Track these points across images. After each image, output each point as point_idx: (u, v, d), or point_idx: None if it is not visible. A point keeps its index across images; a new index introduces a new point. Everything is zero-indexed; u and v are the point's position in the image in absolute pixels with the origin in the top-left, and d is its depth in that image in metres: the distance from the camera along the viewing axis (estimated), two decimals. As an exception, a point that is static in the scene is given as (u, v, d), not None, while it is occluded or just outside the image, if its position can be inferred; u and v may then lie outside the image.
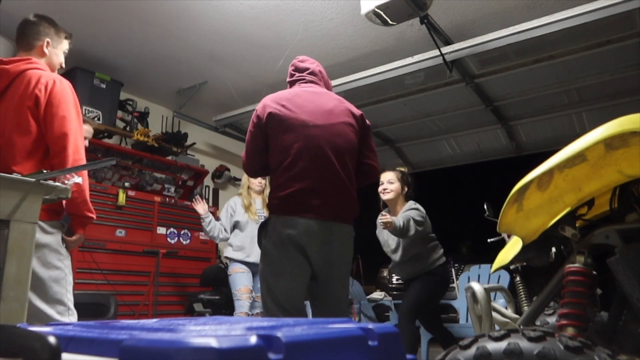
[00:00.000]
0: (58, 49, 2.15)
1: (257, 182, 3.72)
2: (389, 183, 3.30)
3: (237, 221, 3.68)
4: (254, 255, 3.56)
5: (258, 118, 2.07)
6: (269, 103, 2.06)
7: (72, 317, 1.90)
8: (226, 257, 3.80)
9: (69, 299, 1.89)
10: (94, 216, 1.99)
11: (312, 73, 2.25)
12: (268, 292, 1.97)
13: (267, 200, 3.59)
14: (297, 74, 2.26)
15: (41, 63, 2.02)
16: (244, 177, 3.87)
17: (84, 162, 1.91)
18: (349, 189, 2.03)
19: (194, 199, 3.69)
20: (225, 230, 3.68)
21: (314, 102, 2.08)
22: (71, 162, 1.85)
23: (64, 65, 2.20)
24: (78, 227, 1.96)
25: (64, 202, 1.89)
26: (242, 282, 3.56)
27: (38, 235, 1.64)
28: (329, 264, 1.97)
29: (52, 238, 1.85)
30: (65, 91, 1.92)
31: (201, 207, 3.59)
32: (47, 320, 1.75)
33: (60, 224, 1.91)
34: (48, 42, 2.09)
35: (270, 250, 1.97)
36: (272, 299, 1.95)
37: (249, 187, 3.77)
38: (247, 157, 2.15)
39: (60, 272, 1.87)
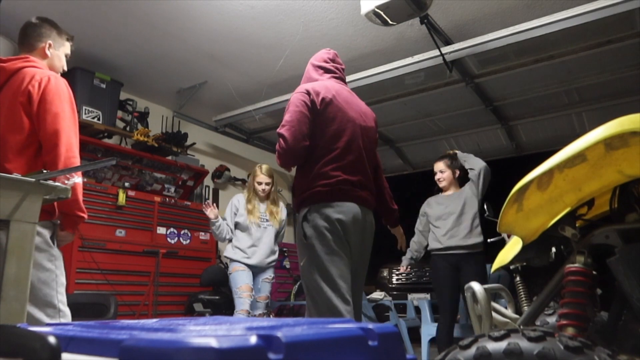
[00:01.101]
0: (60, 51, 2.16)
1: (261, 189, 3.72)
2: (441, 172, 3.61)
3: (238, 222, 3.67)
4: (256, 257, 3.60)
5: (312, 102, 2.03)
6: (321, 90, 2.07)
7: (64, 318, 1.86)
8: (226, 257, 3.79)
9: (60, 300, 1.84)
10: (86, 216, 1.94)
11: (343, 71, 2.35)
12: (324, 280, 1.91)
13: (273, 206, 3.77)
14: (331, 65, 2.29)
15: (40, 63, 2.02)
16: (251, 180, 3.84)
17: (77, 160, 1.88)
18: (373, 187, 2.19)
19: (204, 203, 3.69)
20: (231, 230, 3.69)
21: (353, 100, 2.21)
22: (63, 160, 1.82)
23: (65, 68, 2.20)
24: (68, 226, 1.91)
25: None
26: (242, 280, 3.54)
27: None
28: (362, 252, 2.10)
29: (41, 238, 1.81)
30: (60, 88, 1.90)
31: (212, 211, 3.59)
32: (36, 324, 1.72)
33: (51, 224, 1.88)
34: (50, 44, 2.10)
35: (321, 236, 1.95)
36: (330, 286, 1.90)
37: (254, 190, 3.74)
38: (293, 141, 1.96)
39: (50, 274, 1.82)
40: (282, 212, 3.82)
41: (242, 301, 3.49)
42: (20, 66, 1.94)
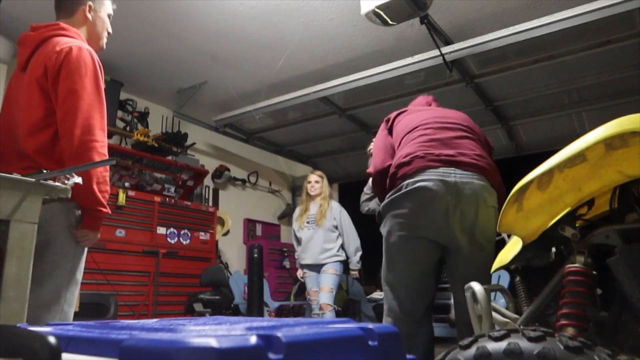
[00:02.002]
0: (101, 12, 1.88)
1: (310, 186, 4.15)
2: None
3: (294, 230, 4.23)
4: (309, 256, 4.04)
5: (387, 122, 2.26)
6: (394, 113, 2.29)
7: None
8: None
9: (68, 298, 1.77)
10: (106, 210, 1.71)
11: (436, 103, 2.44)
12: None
13: (323, 205, 4.06)
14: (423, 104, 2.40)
15: (73, 31, 1.74)
16: (304, 185, 4.27)
17: (99, 144, 1.62)
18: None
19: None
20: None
21: (430, 108, 2.33)
22: (77, 143, 1.56)
23: (110, 31, 1.95)
24: (88, 223, 1.68)
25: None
26: (308, 286, 4.05)
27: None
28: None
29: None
30: (82, 60, 1.61)
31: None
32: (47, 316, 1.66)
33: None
34: (90, 6, 1.82)
35: None
36: None
37: (306, 193, 4.17)
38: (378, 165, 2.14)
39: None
40: (332, 210, 4.10)
41: (312, 306, 3.99)
42: (47, 35, 1.69)
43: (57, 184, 1.42)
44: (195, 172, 4.70)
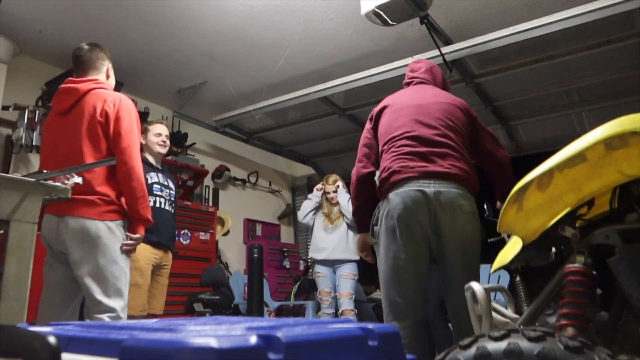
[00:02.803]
0: (112, 73, 2.38)
1: (330, 197, 4.21)
2: None
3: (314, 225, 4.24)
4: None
5: (371, 119, 2.23)
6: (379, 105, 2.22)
7: (125, 308, 2.09)
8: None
9: (125, 293, 2.08)
10: (150, 218, 2.13)
11: (426, 72, 2.33)
12: None
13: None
14: (410, 75, 2.36)
15: (107, 84, 2.25)
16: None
17: (141, 171, 2.08)
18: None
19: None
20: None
21: (417, 93, 2.23)
22: (137, 172, 2.03)
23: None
24: (134, 228, 2.10)
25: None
26: (320, 286, 4.09)
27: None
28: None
29: (120, 235, 2.06)
30: (130, 108, 2.13)
31: None
32: (109, 311, 1.97)
33: (126, 224, 2.11)
34: (109, 67, 2.34)
35: None
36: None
37: (326, 199, 4.22)
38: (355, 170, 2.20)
39: (122, 270, 2.05)
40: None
41: (322, 305, 4.06)
42: (92, 87, 2.14)
43: (57, 184, 1.42)
44: (195, 172, 4.70)
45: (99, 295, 1.93)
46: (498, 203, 2.18)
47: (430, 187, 1.85)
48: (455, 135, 2.00)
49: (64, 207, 1.96)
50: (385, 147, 2.03)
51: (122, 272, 2.02)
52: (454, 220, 1.85)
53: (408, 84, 2.33)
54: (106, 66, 2.31)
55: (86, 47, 2.30)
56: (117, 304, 1.96)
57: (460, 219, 1.86)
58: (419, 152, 1.92)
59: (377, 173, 2.11)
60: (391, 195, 1.90)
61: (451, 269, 1.87)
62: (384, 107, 2.14)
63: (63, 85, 2.19)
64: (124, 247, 2.04)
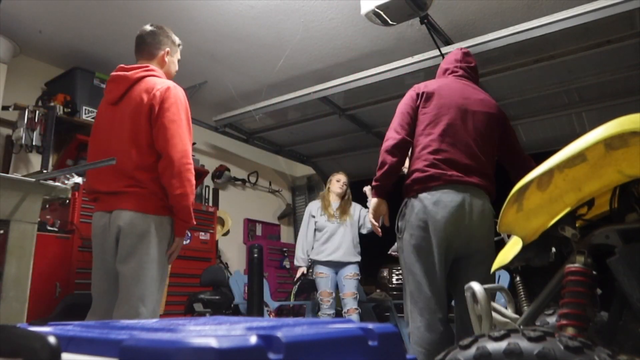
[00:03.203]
0: (174, 57, 2.26)
1: (339, 186, 4.26)
2: None
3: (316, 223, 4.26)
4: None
5: (417, 96, 2.22)
6: (427, 85, 2.25)
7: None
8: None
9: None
10: (194, 222, 2.05)
11: (470, 69, 2.36)
12: None
13: (347, 205, 4.20)
14: (456, 65, 2.35)
15: (159, 71, 2.13)
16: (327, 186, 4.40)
17: (191, 167, 1.99)
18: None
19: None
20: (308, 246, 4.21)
21: (464, 90, 2.26)
22: (177, 165, 1.91)
23: (175, 72, 2.32)
24: (179, 231, 2.04)
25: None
26: (321, 287, 4.06)
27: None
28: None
29: (168, 230, 2.03)
30: (178, 97, 2.00)
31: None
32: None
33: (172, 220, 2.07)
34: (168, 52, 2.20)
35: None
36: None
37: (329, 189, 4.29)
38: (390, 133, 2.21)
39: (164, 271, 2.05)
40: (355, 210, 4.25)
41: (322, 306, 4.04)
42: (141, 75, 2.04)
43: (57, 184, 1.42)
44: (195, 172, 4.70)
45: (132, 295, 1.86)
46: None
47: (467, 197, 1.96)
48: (490, 149, 2.13)
49: (113, 201, 1.93)
50: (423, 141, 2.07)
51: (162, 273, 1.96)
52: (488, 230, 2.02)
53: (453, 72, 2.31)
54: (162, 51, 2.17)
55: (148, 29, 2.19)
56: (147, 308, 1.87)
57: (490, 226, 2.03)
58: (458, 162, 2.00)
59: (407, 166, 2.16)
60: (426, 196, 1.97)
61: (474, 274, 1.96)
62: (433, 93, 2.14)
63: (113, 73, 2.10)
64: (168, 254, 1.98)
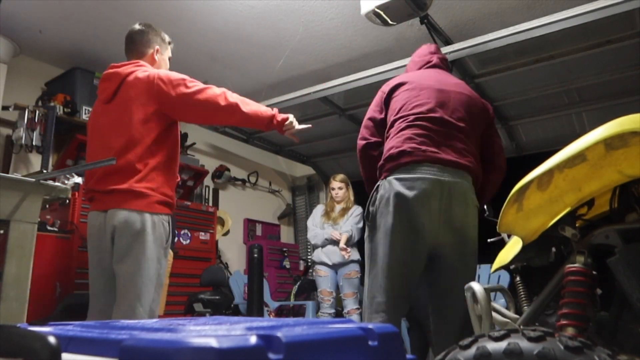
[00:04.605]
0: (165, 56, 2.26)
1: (335, 194, 4.31)
2: None
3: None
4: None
5: (384, 93, 2.17)
6: (395, 79, 2.19)
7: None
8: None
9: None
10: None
11: (442, 60, 2.29)
12: None
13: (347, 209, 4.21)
14: (425, 57, 2.29)
15: (149, 67, 2.12)
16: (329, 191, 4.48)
17: (231, 95, 2.04)
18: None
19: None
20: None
21: (437, 77, 2.18)
22: (226, 103, 1.98)
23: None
24: None
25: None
26: (320, 285, 4.11)
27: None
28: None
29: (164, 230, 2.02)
30: (169, 73, 2.03)
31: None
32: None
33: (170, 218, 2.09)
34: (157, 50, 2.20)
35: None
36: None
37: (331, 198, 4.34)
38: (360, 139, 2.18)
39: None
40: (354, 212, 4.27)
41: (323, 305, 4.09)
42: (132, 70, 2.04)
43: (57, 184, 1.42)
44: (195, 172, 4.70)
45: (129, 295, 1.85)
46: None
47: (445, 177, 1.77)
48: (471, 129, 1.95)
49: (108, 200, 1.91)
50: (397, 123, 1.94)
51: (158, 272, 1.93)
52: (466, 214, 1.81)
53: (427, 63, 2.23)
54: (152, 49, 2.17)
55: (136, 28, 2.18)
56: (144, 307, 1.86)
57: (472, 213, 1.84)
58: (435, 138, 1.83)
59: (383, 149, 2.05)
60: (397, 177, 1.81)
61: (454, 262, 1.82)
62: (401, 84, 2.05)
63: (105, 72, 2.09)
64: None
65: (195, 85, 2.02)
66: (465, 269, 1.82)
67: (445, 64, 2.27)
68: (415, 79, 2.04)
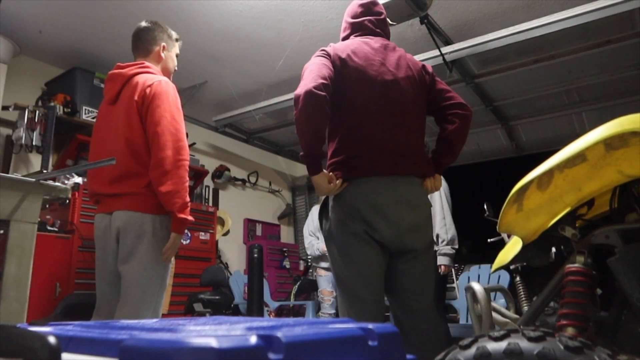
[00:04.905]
0: (172, 52, 2.23)
1: None
2: None
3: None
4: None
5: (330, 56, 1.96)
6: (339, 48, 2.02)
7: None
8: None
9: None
10: (190, 218, 1.93)
11: (378, 22, 2.09)
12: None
13: None
14: (360, 20, 2.10)
15: (154, 68, 2.10)
16: None
17: (184, 163, 1.89)
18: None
19: None
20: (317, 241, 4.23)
21: (379, 56, 2.04)
22: (169, 163, 1.83)
23: (176, 68, 2.30)
24: (174, 228, 1.93)
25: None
26: (321, 285, 4.16)
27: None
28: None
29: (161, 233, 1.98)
30: (167, 91, 1.95)
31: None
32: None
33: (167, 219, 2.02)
34: (164, 47, 2.17)
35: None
36: None
37: None
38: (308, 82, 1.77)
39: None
40: None
41: (323, 304, 4.14)
42: (135, 72, 2.02)
43: (57, 184, 1.42)
44: (195, 172, 4.70)
45: (133, 296, 1.84)
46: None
47: (398, 183, 1.74)
48: (416, 122, 1.89)
49: (113, 202, 1.92)
50: (338, 124, 1.82)
51: (163, 273, 1.93)
52: (420, 221, 1.77)
53: (361, 30, 2.04)
54: (158, 46, 2.13)
55: (142, 25, 2.16)
56: (148, 308, 1.85)
57: (427, 221, 1.82)
58: (380, 146, 1.77)
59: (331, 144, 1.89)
60: (348, 189, 1.75)
61: (416, 268, 1.76)
62: (348, 59, 1.87)
63: (110, 72, 2.10)
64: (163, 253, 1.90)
65: (173, 155, 1.87)
66: (428, 273, 1.82)
67: (382, 27, 2.06)
68: (356, 64, 1.88)
